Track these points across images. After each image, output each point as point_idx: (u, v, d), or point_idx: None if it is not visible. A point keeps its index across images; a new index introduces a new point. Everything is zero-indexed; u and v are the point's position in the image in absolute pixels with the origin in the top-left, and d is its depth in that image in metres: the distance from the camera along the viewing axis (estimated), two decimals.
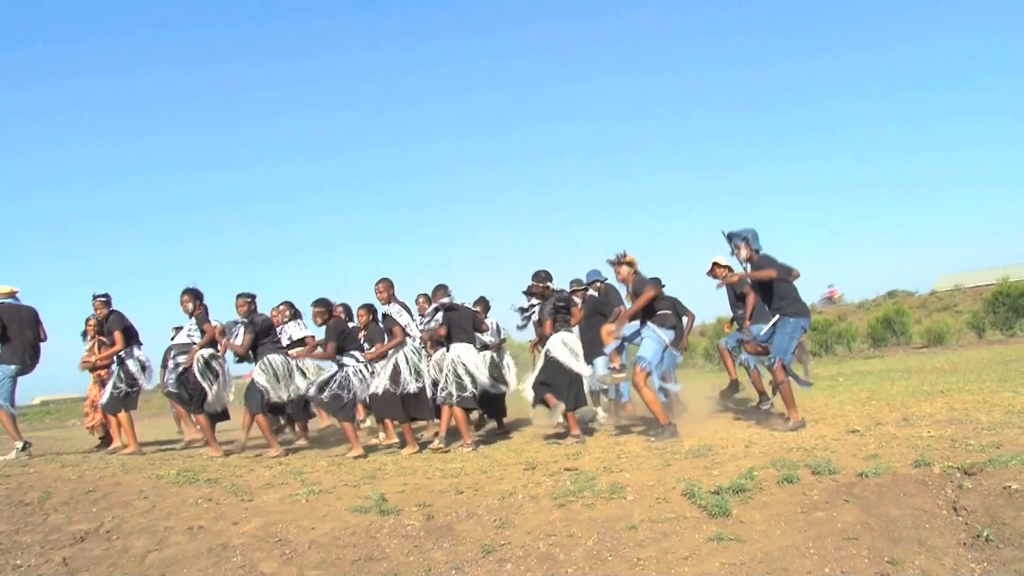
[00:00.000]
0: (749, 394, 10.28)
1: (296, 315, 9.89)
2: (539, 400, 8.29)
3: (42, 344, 8.88)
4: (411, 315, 8.99)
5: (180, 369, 8.77)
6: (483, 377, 8.66)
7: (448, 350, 8.51)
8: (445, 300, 8.64)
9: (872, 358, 18.70)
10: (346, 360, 8.58)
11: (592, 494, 5.52)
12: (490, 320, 9.80)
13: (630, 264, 7.86)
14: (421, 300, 9.94)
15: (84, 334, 10.36)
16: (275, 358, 8.78)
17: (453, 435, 8.81)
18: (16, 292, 8.84)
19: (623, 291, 8.33)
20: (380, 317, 8.78)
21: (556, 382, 8.09)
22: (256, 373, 8.73)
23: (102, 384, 9.80)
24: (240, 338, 8.72)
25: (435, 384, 8.62)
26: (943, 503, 4.75)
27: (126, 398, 9.17)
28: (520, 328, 9.30)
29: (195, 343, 8.78)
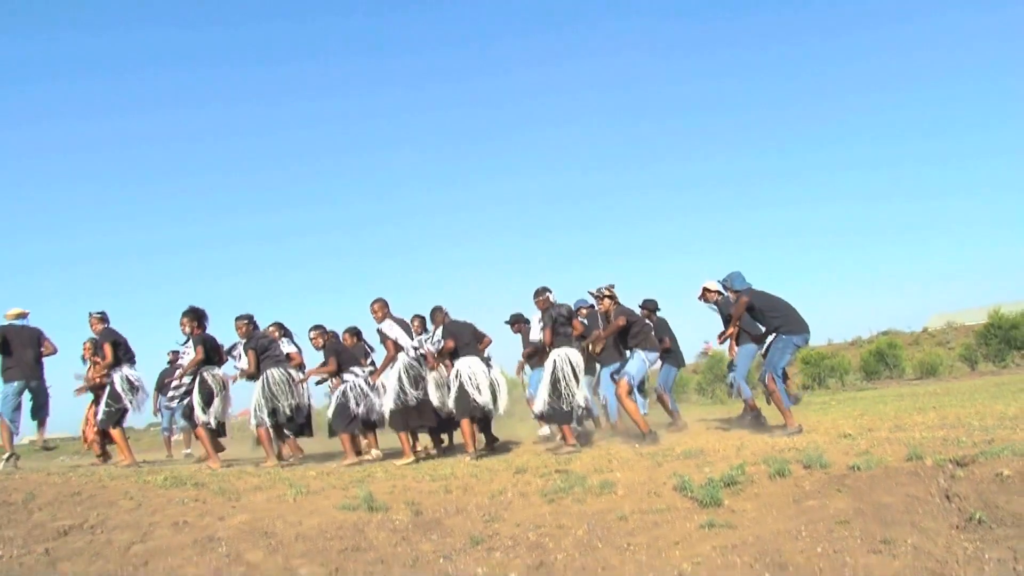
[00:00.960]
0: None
1: (286, 334, 9.93)
2: (547, 419, 8.50)
3: (48, 357, 9.16)
4: (409, 332, 9.05)
5: (182, 391, 8.87)
6: (487, 390, 8.71)
7: (454, 363, 8.63)
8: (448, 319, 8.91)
9: (865, 390, 18.67)
10: (346, 376, 8.85)
11: (582, 490, 5.47)
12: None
13: (611, 297, 8.62)
14: (416, 322, 9.96)
15: (83, 358, 10.42)
16: (275, 372, 8.82)
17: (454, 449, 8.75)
18: (26, 314, 9.18)
19: (602, 323, 9.05)
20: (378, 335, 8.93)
21: (558, 404, 8.15)
22: (257, 388, 8.78)
23: (99, 402, 9.77)
24: (244, 359, 8.84)
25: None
26: (935, 491, 4.73)
27: (118, 414, 9.14)
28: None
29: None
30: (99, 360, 9.59)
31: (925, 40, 63.47)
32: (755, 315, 8.06)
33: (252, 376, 8.91)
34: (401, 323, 9.00)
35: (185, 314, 8.93)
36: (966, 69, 62.11)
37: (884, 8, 64.65)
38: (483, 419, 9.73)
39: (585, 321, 9.62)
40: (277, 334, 9.86)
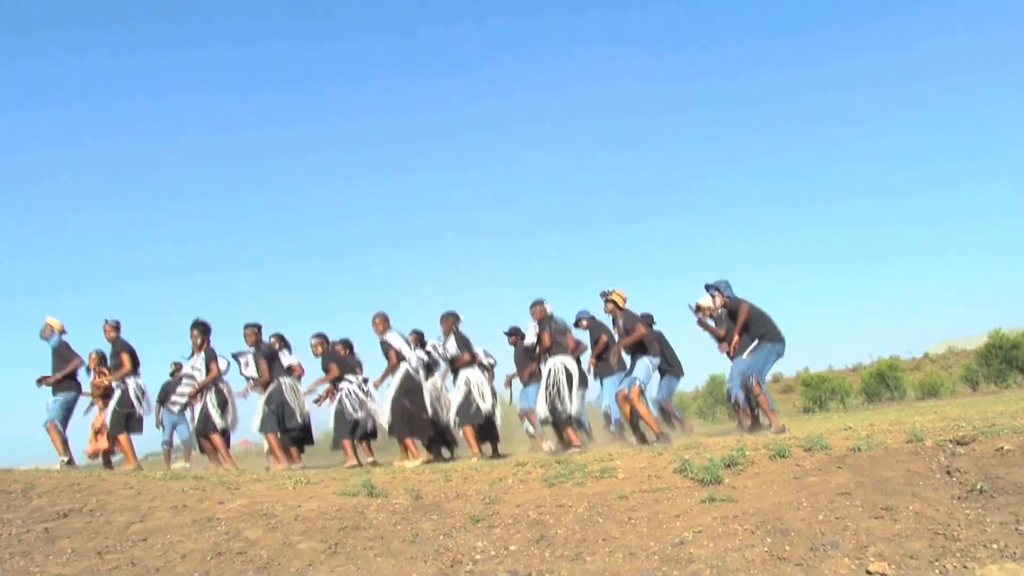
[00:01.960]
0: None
1: (286, 345, 9.96)
2: (552, 423, 8.52)
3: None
4: (408, 343, 9.16)
5: (184, 400, 8.96)
6: (489, 398, 8.81)
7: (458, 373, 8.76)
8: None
9: (866, 410, 18.59)
10: (342, 384, 8.92)
11: (583, 475, 5.46)
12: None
13: (614, 301, 8.63)
14: (413, 337, 9.99)
15: (88, 369, 10.43)
16: (287, 380, 8.93)
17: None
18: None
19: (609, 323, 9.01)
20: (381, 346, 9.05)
21: (560, 408, 8.19)
22: (267, 395, 8.81)
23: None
24: (253, 367, 8.91)
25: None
26: (936, 467, 4.71)
27: (128, 420, 9.14)
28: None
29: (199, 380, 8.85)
30: (105, 371, 9.63)
31: (922, 68, 64.20)
32: (744, 326, 8.21)
33: (265, 384, 8.94)
34: (404, 337, 9.18)
35: (195, 327, 8.94)
36: (963, 98, 62.71)
37: (884, 38, 65.34)
38: (489, 428, 9.74)
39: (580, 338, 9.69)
40: (277, 346, 9.89)
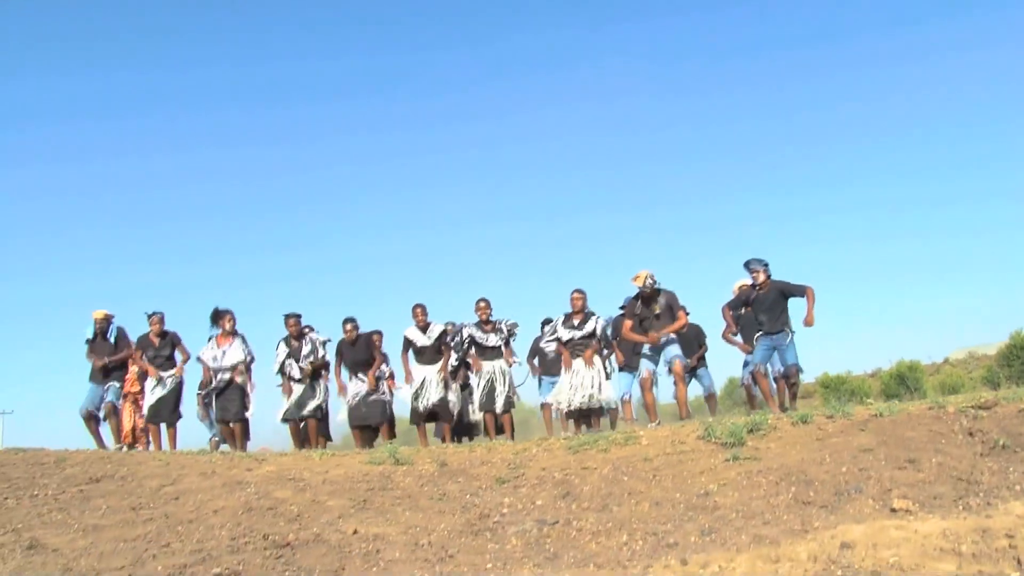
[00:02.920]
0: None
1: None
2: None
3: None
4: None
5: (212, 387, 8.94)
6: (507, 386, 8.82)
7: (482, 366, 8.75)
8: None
9: None
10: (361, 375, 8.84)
11: (607, 442, 5.52)
12: None
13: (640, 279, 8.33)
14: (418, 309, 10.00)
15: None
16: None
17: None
18: None
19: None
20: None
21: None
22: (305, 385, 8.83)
23: (136, 404, 9.71)
24: (318, 353, 8.87)
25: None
26: (958, 429, 4.74)
27: (174, 410, 9.13)
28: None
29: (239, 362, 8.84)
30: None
31: (948, 78, 63.88)
32: (743, 313, 8.25)
33: (321, 367, 8.90)
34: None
35: (228, 311, 8.97)
36: (984, 109, 62.43)
37: (900, 49, 65.11)
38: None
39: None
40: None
